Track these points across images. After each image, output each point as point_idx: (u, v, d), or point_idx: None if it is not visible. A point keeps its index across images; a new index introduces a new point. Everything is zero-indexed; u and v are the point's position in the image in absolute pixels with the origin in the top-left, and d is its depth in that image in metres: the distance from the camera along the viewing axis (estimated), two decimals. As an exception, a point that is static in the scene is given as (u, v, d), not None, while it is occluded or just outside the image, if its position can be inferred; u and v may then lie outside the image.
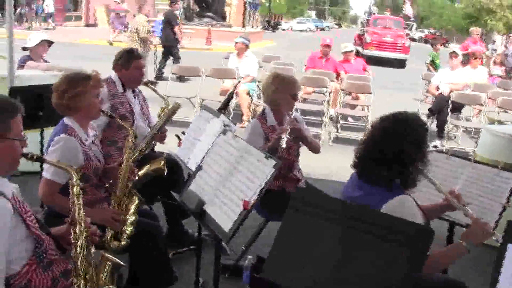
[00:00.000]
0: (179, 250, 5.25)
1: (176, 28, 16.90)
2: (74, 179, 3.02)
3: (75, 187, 3.01)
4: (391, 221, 2.48)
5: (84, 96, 3.96)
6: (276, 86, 4.98)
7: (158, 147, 5.70)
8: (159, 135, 5.27)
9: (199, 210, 3.58)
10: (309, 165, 7.77)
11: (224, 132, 3.85)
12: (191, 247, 5.18)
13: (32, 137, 6.03)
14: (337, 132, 10.82)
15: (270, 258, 2.68)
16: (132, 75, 5.33)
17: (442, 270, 3.81)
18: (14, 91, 5.71)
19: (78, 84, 3.95)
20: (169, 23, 16.91)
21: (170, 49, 16.71)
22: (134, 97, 5.44)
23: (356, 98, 11.94)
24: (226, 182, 3.50)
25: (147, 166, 4.80)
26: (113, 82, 5.31)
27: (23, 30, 32.92)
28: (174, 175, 5.17)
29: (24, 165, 3.06)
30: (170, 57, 16.80)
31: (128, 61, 5.30)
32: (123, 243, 3.96)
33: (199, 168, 3.86)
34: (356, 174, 3.40)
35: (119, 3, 33.16)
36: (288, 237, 2.65)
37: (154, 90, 5.50)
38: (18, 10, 37.99)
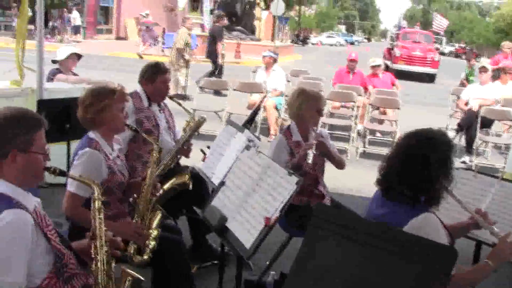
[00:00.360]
0: (202, 264, 5.23)
1: (219, 44, 17.12)
2: (96, 194, 3.02)
3: (96, 202, 3.02)
4: (414, 241, 2.43)
5: (109, 110, 3.97)
6: (301, 101, 4.96)
7: (184, 161, 5.69)
8: (184, 149, 5.27)
9: (221, 227, 3.56)
10: (336, 180, 7.72)
11: (247, 147, 3.84)
12: (215, 262, 5.15)
13: (59, 149, 6.15)
14: (365, 147, 10.73)
15: (290, 276, 2.64)
16: (157, 89, 5.35)
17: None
18: (41, 103, 5.76)
19: (103, 98, 3.96)
20: (213, 38, 17.27)
21: (212, 63, 16.89)
22: (159, 111, 5.46)
23: (384, 113, 11.83)
24: (249, 198, 3.48)
25: (172, 180, 4.81)
26: (139, 96, 5.32)
27: (55, 43, 33.37)
28: (199, 189, 5.16)
29: (52, 177, 3.08)
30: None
31: (153, 75, 5.32)
32: (145, 257, 3.95)
33: (222, 183, 3.86)
34: (380, 192, 3.36)
35: (144, 16, 33.44)
36: (309, 255, 2.61)
37: (179, 104, 5.51)
38: (50, 23, 38.52)
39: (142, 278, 3.16)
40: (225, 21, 17.26)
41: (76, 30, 39.66)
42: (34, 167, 2.74)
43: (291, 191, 3.24)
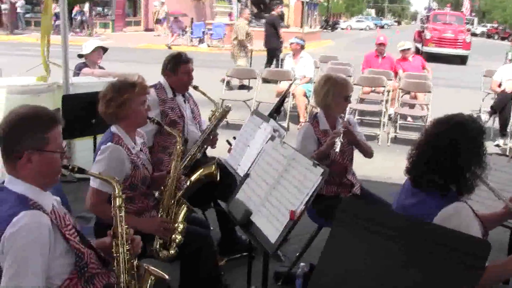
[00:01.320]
0: (231, 257, 5.17)
1: (280, 31, 17.22)
2: (116, 191, 2.96)
3: (117, 199, 2.96)
4: (445, 235, 2.32)
5: (130, 104, 3.91)
6: (328, 88, 4.84)
7: (211, 152, 5.63)
8: (210, 139, 5.21)
9: (245, 220, 3.49)
10: (367, 166, 7.60)
11: (272, 138, 3.75)
12: (244, 254, 5.08)
13: (85, 144, 6.14)
14: (396, 133, 10.57)
15: (316, 271, 2.56)
16: (180, 79, 5.29)
17: (503, 281, 3.59)
18: (66, 99, 5.74)
19: (123, 92, 3.91)
20: (273, 27, 17.18)
21: (274, 52, 16.82)
22: (184, 101, 5.40)
23: (415, 97, 11.64)
24: (273, 191, 3.39)
25: (199, 171, 4.75)
26: (163, 88, 5.27)
27: (84, 37, 33.62)
28: (227, 180, 5.08)
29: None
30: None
31: (176, 66, 5.26)
32: (172, 252, 3.92)
33: (246, 175, 3.78)
34: (409, 181, 3.24)
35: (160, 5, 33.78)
36: (335, 249, 2.53)
37: (203, 93, 5.43)
38: (79, 18, 38.79)
39: (166, 276, 3.11)
40: (280, 9, 17.28)
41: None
42: (51, 166, 2.69)
43: (316, 182, 3.14)
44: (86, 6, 38.95)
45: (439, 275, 2.22)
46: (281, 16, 41.88)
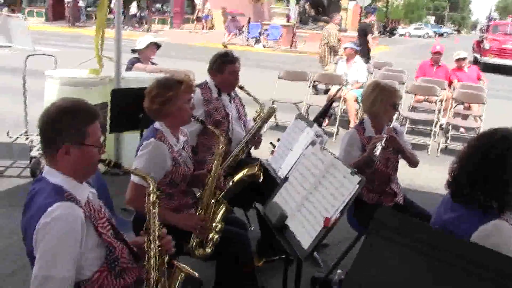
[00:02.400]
0: (269, 258, 5.16)
1: (369, 37, 17.59)
2: (151, 188, 2.99)
3: (151, 195, 2.98)
4: (482, 253, 2.25)
5: (175, 101, 3.93)
6: (375, 95, 4.78)
7: (255, 153, 5.64)
8: (254, 140, 5.20)
9: (280, 224, 3.47)
10: (414, 176, 7.53)
11: (312, 143, 3.72)
12: (282, 256, 5.06)
13: (132, 138, 6.20)
14: (447, 143, 10.38)
15: (347, 279, 2.53)
16: (226, 79, 5.29)
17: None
18: (115, 93, 5.81)
19: (169, 89, 3.93)
20: (364, 34, 17.71)
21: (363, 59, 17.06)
22: (230, 101, 5.40)
23: (469, 108, 11.43)
24: (310, 196, 3.37)
25: (243, 172, 4.75)
26: (208, 87, 5.29)
27: (143, 32, 34.13)
28: (270, 181, 5.07)
29: (126, 165, 3.07)
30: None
31: (222, 66, 5.26)
32: (208, 250, 3.92)
33: (285, 179, 3.76)
34: (449, 195, 3.16)
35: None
36: (367, 259, 2.49)
37: (249, 94, 5.43)
38: (138, 13, 39.37)
39: (196, 274, 3.11)
40: (373, 18, 17.42)
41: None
42: (88, 159, 2.72)
43: (352, 191, 3.10)
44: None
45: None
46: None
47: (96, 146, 2.75)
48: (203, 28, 41.46)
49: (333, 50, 14.80)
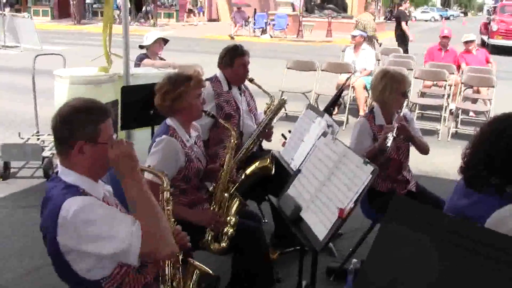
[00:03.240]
0: (284, 250, 5.18)
1: (403, 25, 17.67)
2: (165, 185, 3.01)
3: (165, 193, 3.00)
4: (497, 238, 2.25)
5: (185, 97, 3.96)
6: (385, 83, 4.77)
7: (266, 145, 5.64)
8: (266, 132, 5.21)
9: (295, 217, 3.48)
10: (425, 161, 7.50)
11: (324, 134, 3.73)
12: (297, 247, 5.08)
13: (143, 134, 6.22)
14: (457, 128, 10.34)
15: (363, 269, 2.54)
16: (236, 72, 5.30)
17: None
18: (125, 90, 5.82)
19: (179, 85, 3.95)
20: (399, 21, 17.87)
21: (401, 46, 17.03)
22: (240, 94, 5.41)
23: (478, 92, 11.37)
24: (323, 187, 3.38)
25: (254, 165, 4.77)
26: (219, 81, 5.30)
27: (149, 27, 34.18)
28: (282, 174, 5.08)
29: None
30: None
31: (232, 59, 5.27)
32: (223, 244, 3.95)
33: (298, 171, 3.76)
34: (463, 181, 3.16)
35: None
36: (383, 248, 2.49)
37: (259, 86, 5.44)
38: (144, 8, 39.37)
39: (211, 272, 3.14)
40: (407, 4, 17.43)
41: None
42: (102, 158, 2.73)
43: (366, 181, 3.10)
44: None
45: (492, 281, 2.16)
46: (344, 7, 41.71)
47: (109, 144, 2.77)
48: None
49: (370, 40, 14.73)
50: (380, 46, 15.50)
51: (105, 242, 2.54)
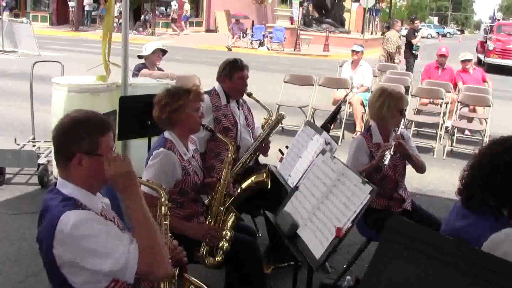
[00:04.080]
0: (278, 265, 5.18)
1: (414, 41, 17.42)
2: (163, 199, 3.01)
3: (163, 207, 3.00)
4: (492, 261, 2.26)
5: (184, 110, 3.96)
6: (382, 101, 4.80)
7: (263, 160, 5.65)
8: (263, 147, 5.21)
9: (291, 234, 3.48)
10: (421, 179, 7.53)
11: (323, 152, 3.73)
12: (291, 262, 5.07)
13: (140, 143, 6.22)
14: (452, 146, 10.37)
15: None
16: (235, 86, 5.31)
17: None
18: (123, 100, 5.83)
19: (178, 98, 3.96)
20: (406, 39, 17.66)
21: (409, 62, 17.06)
22: (238, 108, 5.42)
23: (474, 111, 11.41)
24: (321, 205, 3.38)
25: (251, 179, 4.78)
26: (217, 94, 5.30)
27: (146, 36, 34.24)
28: (278, 188, 5.08)
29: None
30: None
31: (231, 72, 5.28)
32: (218, 259, 3.95)
33: (295, 188, 3.77)
34: (460, 202, 3.17)
35: None
36: (380, 268, 2.50)
37: (257, 101, 5.45)
38: (142, 17, 39.46)
39: (205, 287, 3.14)
40: (417, 25, 17.36)
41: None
42: (100, 171, 2.73)
43: (364, 200, 3.11)
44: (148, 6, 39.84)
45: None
46: (342, 22, 41.89)
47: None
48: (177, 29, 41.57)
49: (391, 57, 14.77)
50: (398, 63, 15.50)
51: (101, 259, 2.53)
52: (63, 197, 2.68)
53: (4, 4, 31.53)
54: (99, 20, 38.89)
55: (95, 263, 2.53)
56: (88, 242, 2.52)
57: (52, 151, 7.26)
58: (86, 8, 39.80)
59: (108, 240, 2.55)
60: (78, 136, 2.69)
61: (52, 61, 8.70)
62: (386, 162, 4.49)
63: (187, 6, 43.02)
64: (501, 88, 16.87)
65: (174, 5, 41.89)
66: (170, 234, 3.00)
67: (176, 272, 2.99)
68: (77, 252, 2.53)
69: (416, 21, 18.17)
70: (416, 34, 16.92)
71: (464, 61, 12.13)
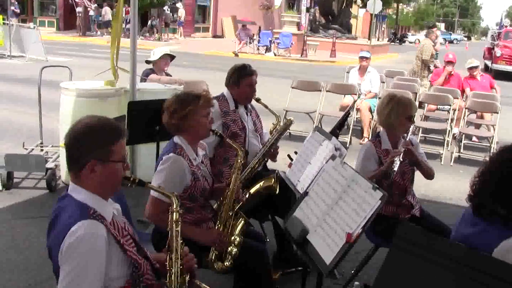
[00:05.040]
0: (286, 270, 5.17)
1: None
2: (174, 206, 3.01)
3: (174, 214, 3.00)
4: (503, 269, 2.26)
5: (193, 116, 3.96)
6: (391, 108, 4.79)
7: (271, 165, 5.65)
8: (271, 152, 5.22)
9: (301, 239, 3.48)
10: (428, 186, 7.51)
11: (333, 157, 3.73)
12: (299, 268, 5.07)
13: (149, 150, 6.24)
14: (460, 152, 10.35)
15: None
16: (244, 91, 5.32)
17: None
18: (132, 105, 5.85)
19: (187, 104, 3.96)
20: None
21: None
22: (246, 113, 5.42)
23: (482, 117, 11.39)
24: (331, 211, 3.37)
25: (259, 184, 4.78)
26: (226, 100, 5.31)
27: (153, 41, 34.35)
28: (286, 194, 5.07)
29: (142, 175, 3.08)
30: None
31: (240, 78, 5.29)
32: (227, 264, 3.94)
33: (305, 194, 3.76)
34: (470, 209, 3.16)
35: None
36: (391, 275, 2.50)
37: (265, 106, 5.46)
38: (149, 22, 39.58)
39: None
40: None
41: (106, 25, 40.08)
42: (113, 177, 2.74)
43: (374, 206, 3.10)
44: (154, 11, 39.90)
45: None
46: (348, 28, 41.93)
47: (121, 163, 2.78)
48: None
49: (426, 65, 14.76)
50: (431, 71, 15.51)
51: (65, 280, 2.57)
52: (75, 203, 2.69)
53: (13, 9, 31.64)
54: (106, 25, 38.93)
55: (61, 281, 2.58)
56: (73, 261, 2.56)
57: (60, 155, 7.35)
58: (90, 13, 39.94)
59: (86, 274, 2.56)
60: (92, 143, 2.70)
61: (60, 66, 8.74)
62: (396, 169, 4.49)
63: (181, 12, 42.98)
64: (508, 94, 16.79)
65: (180, 12, 42.00)
66: (181, 241, 2.99)
67: (187, 279, 2.99)
68: (63, 264, 2.58)
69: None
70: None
71: (471, 68, 12.11)
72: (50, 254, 2.71)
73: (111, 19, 40.07)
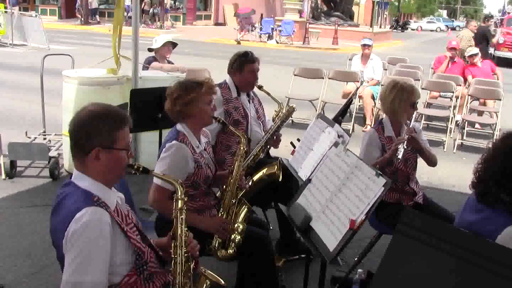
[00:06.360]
0: (290, 258, 5.18)
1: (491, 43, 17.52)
2: (179, 193, 3.00)
3: (179, 201, 2.99)
4: (507, 255, 2.26)
5: (196, 103, 3.95)
6: (394, 95, 4.77)
7: (274, 152, 5.65)
8: (274, 139, 5.21)
9: (305, 226, 3.48)
10: (431, 173, 7.50)
11: (336, 144, 3.73)
12: (302, 255, 5.07)
13: (151, 137, 6.24)
14: (462, 139, 10.33)
15: (374, 282, 2.54)
16: (245, 79, 5.30)
17: None
18: (134, 93, 5.84)
19: (190, 91, 3.94)
20: (484, 38, 17.38)
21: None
22: (249, 101, 5.41)
23: (484, 104, 11.34)
24: (334, 198, 3.37)
25: (262, 171, 4.77)
26: (228, 87, 5.30)
27: (155, 29, 34.27)
28: (289, 182, 5.07)
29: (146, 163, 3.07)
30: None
31: (242, 65, 5.27)
32: (230, 251, 3.94)
33: (308, 181, 3.76)
34: (474, 196, 3.16)
35: None
36: (394, 261, 2.50)
37: (268, 93, 5.44)
38: (151, 10, 39.46)
39: (222, 282, 3.14)
40: (491, 22, 17.31)
41: (93, 13, 39.99)
42: (117, 164, 2.74)
43: (378, 193, 3.10)
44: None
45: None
46: (351, 15, 41.81)
47: (125, 150, 2.77)
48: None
49: (462, 55, 14.71)
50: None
51: (70, 266, 2.57)
52: (79, 191, 2.69)
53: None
54: (108, 13, 38.82)
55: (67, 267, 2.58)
56: (78, 247, 2.56)
57: (63, 144, 7.35)
58: (93, 4, 39.84)
59: (91, 260, 2.57)
60: (96, 131, 2.69)
61: (62, 54, 8.72)
62: (400, 156, 4.47)
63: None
64: (511, 81, 16.76)
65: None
66: (186, 228, 2.98)
67: (192, 266, 2.98)
68: (68, 250, 2.58)
69: (491, 20, 18.16)
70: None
71: (471, 56, 12.06)
72: (54, 241, 2.72)
73: (97, 6, 40.26)
